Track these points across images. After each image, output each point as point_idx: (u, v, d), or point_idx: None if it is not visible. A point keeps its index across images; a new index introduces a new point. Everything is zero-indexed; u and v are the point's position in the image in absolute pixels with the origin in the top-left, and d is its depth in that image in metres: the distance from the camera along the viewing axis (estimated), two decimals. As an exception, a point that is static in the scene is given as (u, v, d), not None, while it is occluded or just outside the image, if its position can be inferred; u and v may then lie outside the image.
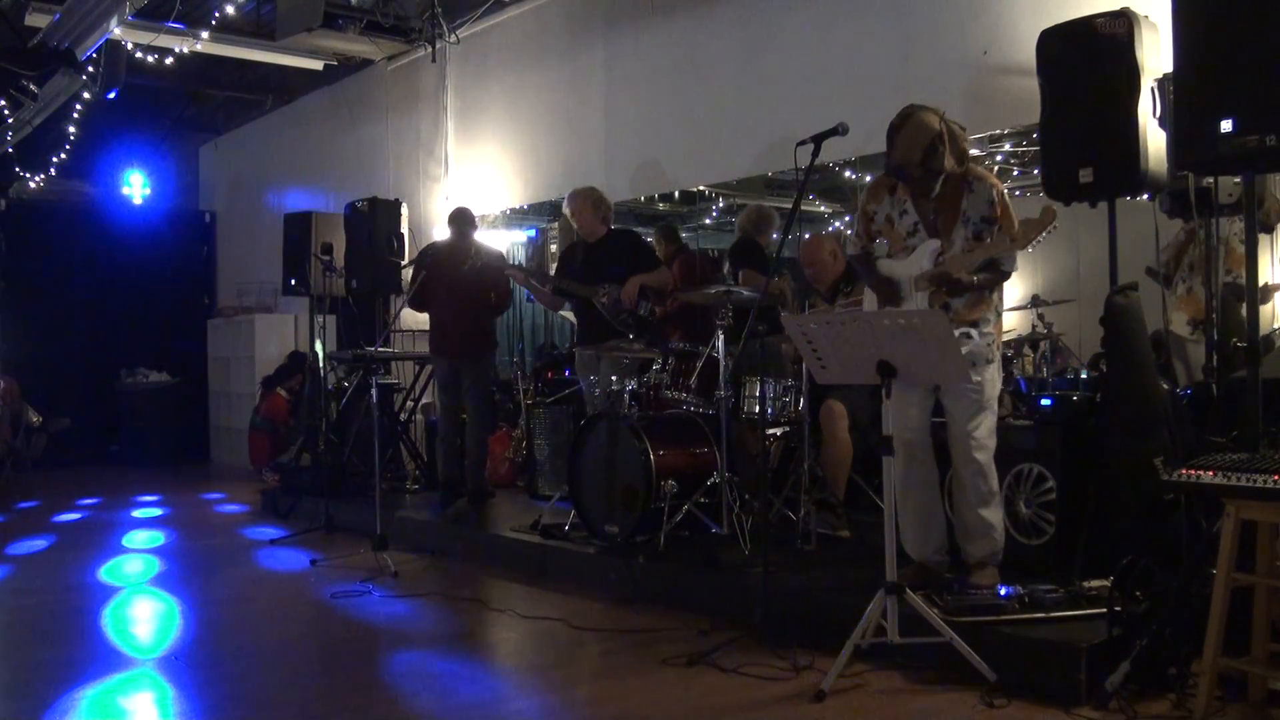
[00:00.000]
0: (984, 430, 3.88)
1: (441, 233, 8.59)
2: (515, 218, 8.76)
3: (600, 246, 5.94)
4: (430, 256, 6.65)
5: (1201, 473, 2.94)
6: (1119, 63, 4.11)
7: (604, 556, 5.00)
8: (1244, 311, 3.71)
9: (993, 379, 3.91)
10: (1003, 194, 3.90)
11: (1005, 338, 4.84)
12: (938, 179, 3.87)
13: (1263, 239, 4.63)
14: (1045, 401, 4.30)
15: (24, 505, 8.43)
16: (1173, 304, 5.21)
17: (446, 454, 6.87)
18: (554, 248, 8.98)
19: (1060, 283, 5.80)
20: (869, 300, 4.15)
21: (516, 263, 8.54)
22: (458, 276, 6.31)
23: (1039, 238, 3.68)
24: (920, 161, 3.79)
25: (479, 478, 6.82)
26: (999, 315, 4.04)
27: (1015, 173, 7.00)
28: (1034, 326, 5.34)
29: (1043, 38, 4.35)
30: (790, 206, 4.22)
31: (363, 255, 7.83)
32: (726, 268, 6.56)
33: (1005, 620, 3.51)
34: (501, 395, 8.16)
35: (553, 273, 6.60)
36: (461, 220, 6.65)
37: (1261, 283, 4.59)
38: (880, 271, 4.05)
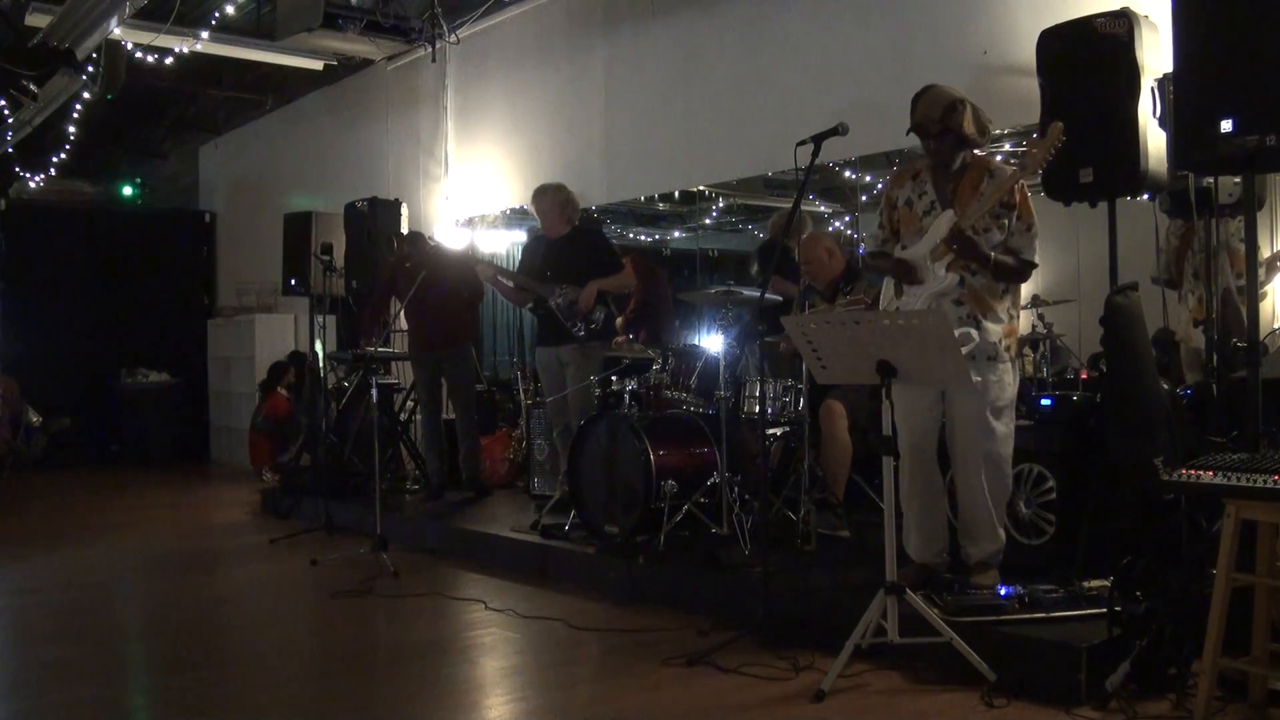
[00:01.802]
0: (994, 434, 3.85)
1: (441, 233, 8.61)
2: (515, 218, 8.75)
3: (562, 245, 5.91)
4: (393, 266, 6.94)
5: (1201, 473, 2.93)
6: (1119, 63, 4.11)
7: (604, 556, 4.99)
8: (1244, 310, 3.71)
9: (1001, 379, 3.85)
10: (1023, 185, 3.89)
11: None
12: (958, 149, 3.87)
13: (1263, 234, 4.60)
14: (1045, 401, 4.29)
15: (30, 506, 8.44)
16: (1186, 319, 5.14)
17: (429, 452, 7.02)
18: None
19: (1060, 283, 5.78)
20: (884, 295, 4.12)
21: (493, 260, 8.54)
22: (427, 276, 6.32)
23: (1049, 155, 3.66)
24: (940, 119, 3.81)
25: (474, 470, 6.87)
26: (1014, 314, 3.96)
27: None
28: (1034, 326, 5.33)
29: (1043, 38, 4.34)
30: (790, 206, 4.22)
31: (362, 255, 7.83)
32: (755, 269, 6.56)
33: (1005, 620, 3.50)
34: (501, 395, 8.17)
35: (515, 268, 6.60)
36: (411, 241, 7.08)
37: (1264, 256, 4.57)
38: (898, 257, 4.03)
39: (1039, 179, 4.28)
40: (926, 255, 3.88)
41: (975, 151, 3.97)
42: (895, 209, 4.07)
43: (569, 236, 5.94)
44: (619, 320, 6.10)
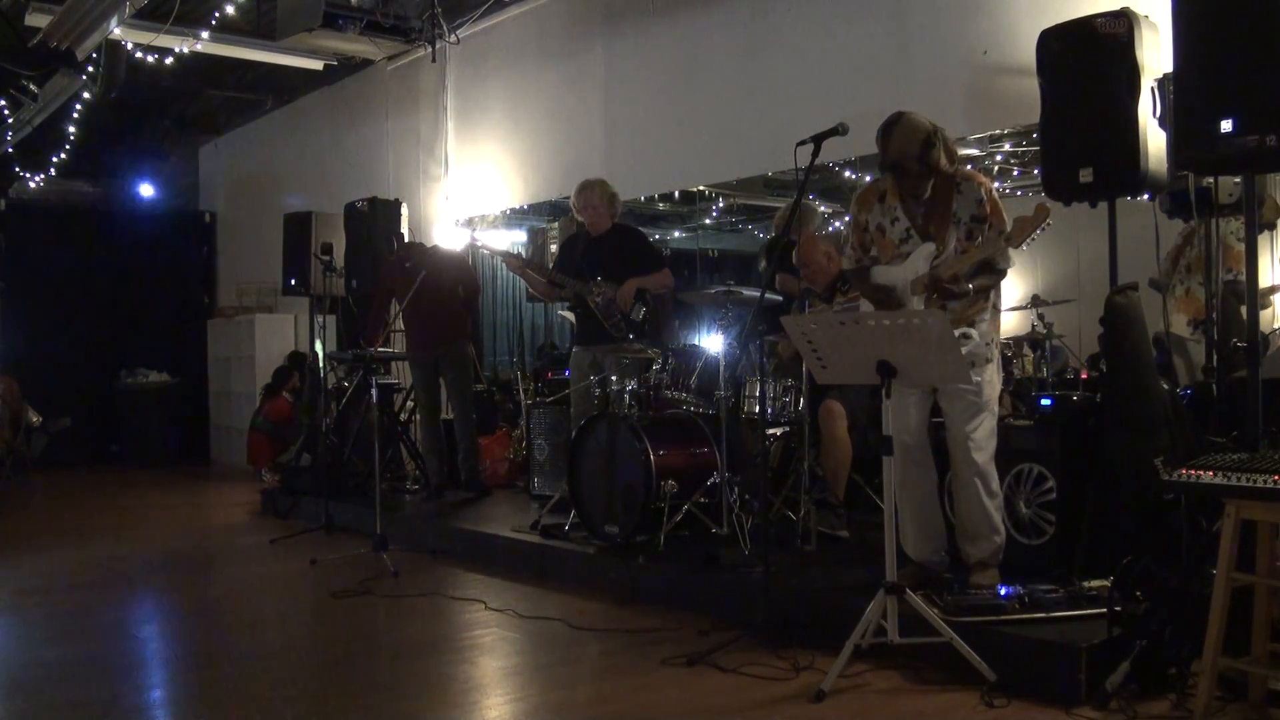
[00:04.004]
0: (983, 432, 3.86)
1: (440, 232, 8.62)
2: (515, 218, 8.76)
3: (603, 241, 5.88)
4: (393, 267, 6.96)
5: (1201, 473, 2.93)
6: (1119, 63, 4.11)
7: (604, 556, 5.00)
8: (1244, 311, 3.71)
9: (991, 379, 3.89)
10: (991, 191, 3.89)
11: (1004, 336, 4.82)
12: (930, 178, 3.86)
13: (1262, 239, 4.63)
14: (1045, 401, 4.29)
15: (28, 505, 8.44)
16: (1172, 306, 5.21)
17: (429, 453, 7.04)
18: (553, 248, 8.98)
19: (1060, 283, 5.80)
20: (867, 305, 4.13)
21: (517, 252, 8.55)
22: (426, 276, 6.33)
23: (1033, 235, 3.68)
24: (918, 155, 3.79)
25: (473, 468, 6.87)
26: (997, 313, 4.01)
27: (1015, 173, 6.99)
28: (1034, 326, 5.34)
29: (1043, 38, 4.35)
30: (791, 206, 4.22)
31: (362, 255, 7.83)
32: (761, 265, 6.54)
33: (1005, 620, 3.50)
34: (501, 395, 8.17)
35: (552, 262, 6.57)
36: (409, 247, 7.21)
37: (1262, 285, 4.59)
38: (876, 280, 4.04)
39: (1024, 173, 4.28)
40: (907, 285, 3.90)
41: None
42: (867, 232, 4.05)
43: (610, 233, 5.89)
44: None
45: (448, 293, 6.77)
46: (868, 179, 6.44)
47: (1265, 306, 4.78)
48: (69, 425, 10.97)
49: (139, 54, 8.41)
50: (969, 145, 5.84)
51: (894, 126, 3.83)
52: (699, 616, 4.25)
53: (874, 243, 4.04)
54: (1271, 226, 4.75)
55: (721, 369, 5.08)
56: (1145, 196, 4.52)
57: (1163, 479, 3.05)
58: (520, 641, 4.19)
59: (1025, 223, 3.68)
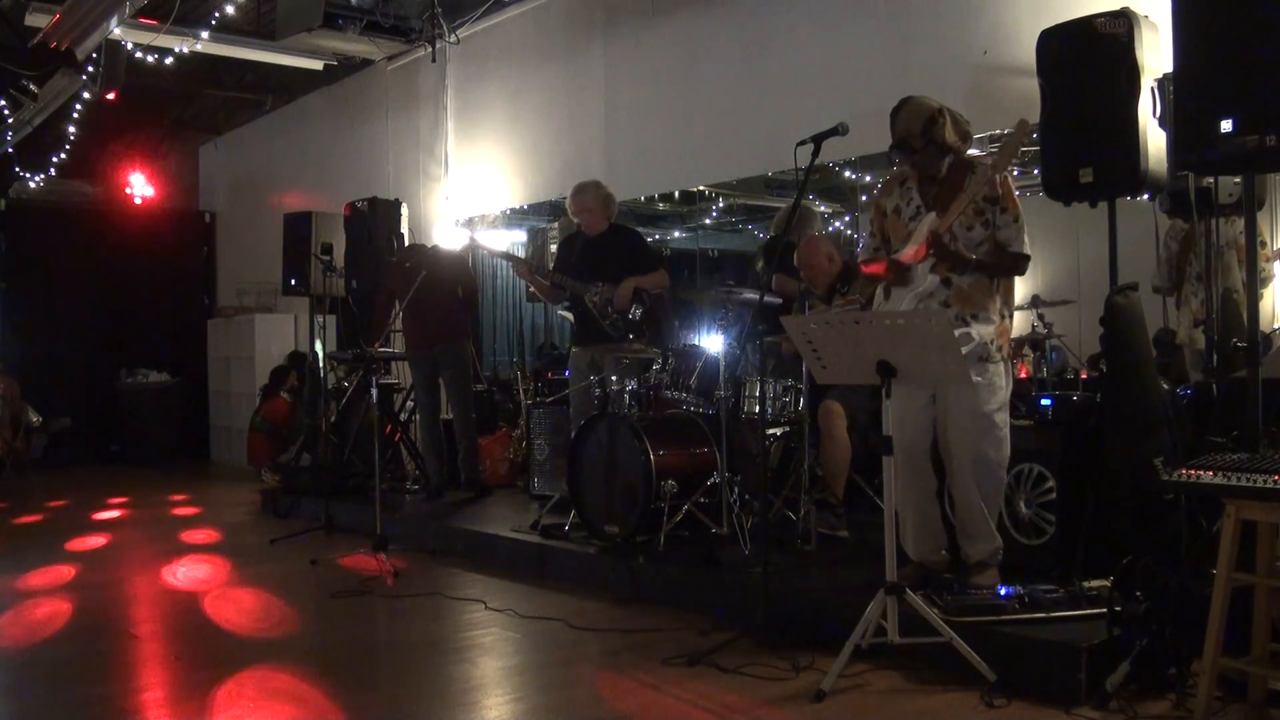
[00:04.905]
0: (985, 435, 3.85)
1: (440, 232, 8.62)
2: (515, 218, 8.76)
3: (600, 242, 5.89)
4: (394, 268, 7.04)
5: (1201, 473, 2.93)
6: (1119, 63, 4.11)
7: (604, 556, 5.00)
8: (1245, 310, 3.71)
9: (992, 381, 3.84)
10: (1006, 177, 3.88)
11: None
12: (942, 157, 3.88)
13: (1262, 216, 4.59)
14: (1045, 401, 4.29)
15: (29, 506, 8.43)
16: (1188, 318, 5.14)
17: (429, 453, 7.04)
18: (553, 248, 8.98)
19: (1060, 283, 5.79)
20: (876, 299, 4.12)
21: (521, 256, 8.55)
22: (426, 276, 6.33)
23: (1017, 153, 3.67)
24: (921, 133, 3.82)
25: (473, 468, 6.87)
26: (1006, 314, 3.96)
27: (1015, 173, 6.99)
28: (1034, 326, 5.33)
29: (1043, 38, 4.35)
30: (790, 206, 4.22)
31: (363, 255, 7.83)
32: (759, 265, 6.54)
33: (1005, 620, 3.51)
34: (501, 395, 8.17)
35: (552, 263, 6.55)
36: (409, 248, 7.32)
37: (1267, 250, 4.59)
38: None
39: (1024, 173, 4.27)
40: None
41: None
42: (885, 217, 4.08)
43: (607, 234, 5.90)
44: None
45: (446, 292, 6.78)
46: (868, 179, 6.47)
47: (1267, 282, 4.74)
48: (69, 425, 10.98)
49: (139, 54, 8.41)
50: (970, 129, 5.83)
51: (901, 109, 3.90)
52: (699, 616, 4.25)
53: (889, 228, 4.05)
54: (1261, 204, 4.71)
55: (721, 369, 5.08)
56: (1145, 196, 4.52)
57: (1163, 479, 3.05)
58: (520, 641, 4.19)
59: (1008, 145, 3.69)
